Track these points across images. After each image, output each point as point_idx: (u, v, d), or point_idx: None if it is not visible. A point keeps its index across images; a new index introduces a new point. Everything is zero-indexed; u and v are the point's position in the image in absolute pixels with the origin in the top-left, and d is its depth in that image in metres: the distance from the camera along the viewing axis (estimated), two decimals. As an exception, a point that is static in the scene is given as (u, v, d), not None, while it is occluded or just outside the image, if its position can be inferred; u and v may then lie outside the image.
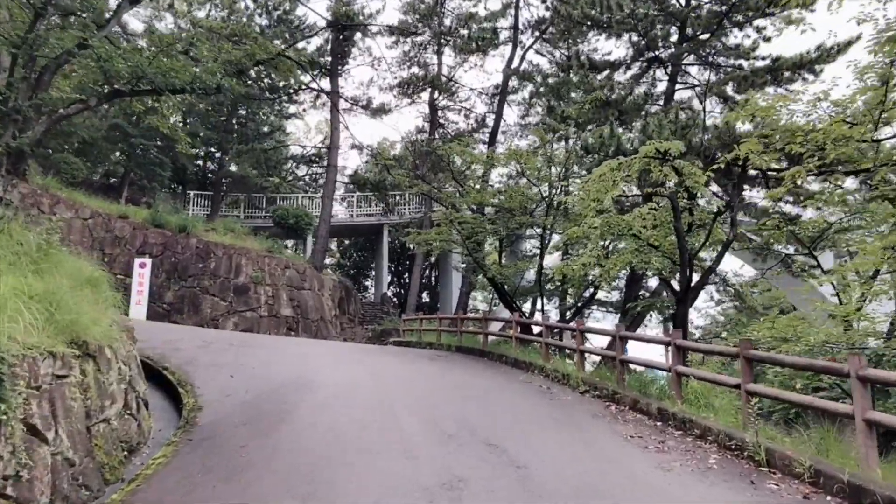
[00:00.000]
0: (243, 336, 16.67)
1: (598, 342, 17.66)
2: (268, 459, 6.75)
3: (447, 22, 31.09)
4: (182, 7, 24.27)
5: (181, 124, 34.70)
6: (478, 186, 20.25)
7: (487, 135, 30.94)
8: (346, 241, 45.47)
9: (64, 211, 22.22)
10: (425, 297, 40.20)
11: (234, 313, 22.68)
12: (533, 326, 16.79)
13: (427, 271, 39.70)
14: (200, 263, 23.16)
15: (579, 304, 18.23)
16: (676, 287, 12.28)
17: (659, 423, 8.31)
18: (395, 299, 38.73)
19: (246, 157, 28.35)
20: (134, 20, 27.97)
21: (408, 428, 7.75)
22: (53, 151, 24.57)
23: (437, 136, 28.01)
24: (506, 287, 18.35)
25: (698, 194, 11.16)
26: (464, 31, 29.97)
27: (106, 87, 10.10)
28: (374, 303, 34.78)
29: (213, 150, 33.26)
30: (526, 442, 7.17)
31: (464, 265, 26.81)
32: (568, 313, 21.13)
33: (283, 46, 28.45)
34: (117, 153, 26.37)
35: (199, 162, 34.71)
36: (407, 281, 44.27)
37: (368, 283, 46.09)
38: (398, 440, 7.15)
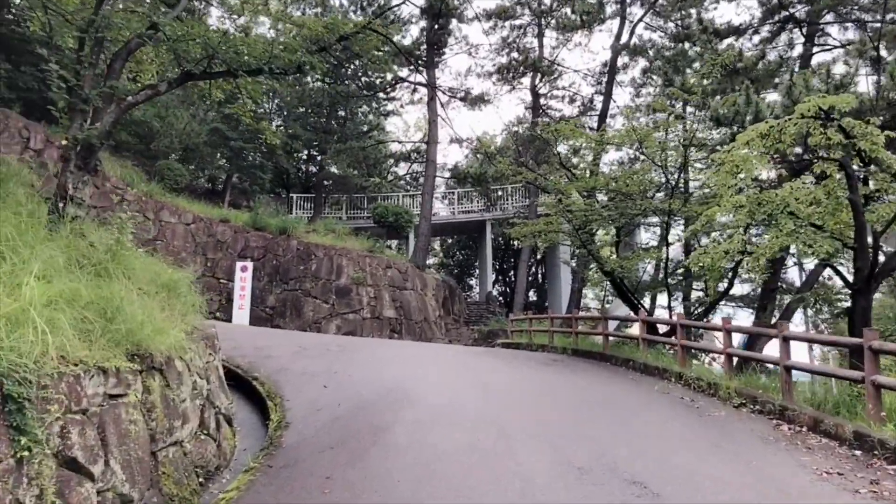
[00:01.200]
0: (342, 340, 15.70)
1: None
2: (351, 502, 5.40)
3: (547, 1, 29.20)
4: (276, 6, 23.89)
5: (280, 127, 34.83)
6: (587, 173, 18.41)
7: (595, 118, 28.85)
8: (449, 240, 44.45)
9: (167, 216, 22.29)
10: (532, 296, 38.44)
11: (337, 316, 21.94)
12: (659, 325, 14.78)
13: (533, 268, 37.94)
14: (301, 265, 22.61)
15: (711, 299, 15.92)
16: (849, 275, 10.06)
17: (858, 453, 6.29)
18: (500, 298, 37.23)
19: (344, 156, 27.76)
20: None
21: (526, 458, 6.19)
22: (158, 158, 24.84)
23: (539, 123, 26.20)
24: (625, 282, 16.37)
25: (878, 158, 8.87)
26: (566, 10, 27.98)
27: (178, 71, 9.13)
28: (479, 302, 33.41)
29: (313, 152, 33.07)
30: (686, 481, 5.43)
31: (573, 260, 24.84)
32: (696, 309, 18.83)
33: (378, 42, 27.69)
34: (219, 158, 26.38)
35: (301, 165, 34.69)
36: (512, 279, 42.67)
37: (472, 281, 44.85)
38: (514, 476, 5.61)
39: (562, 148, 18.90)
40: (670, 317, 16.75)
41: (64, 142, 8.25)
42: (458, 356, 14.13)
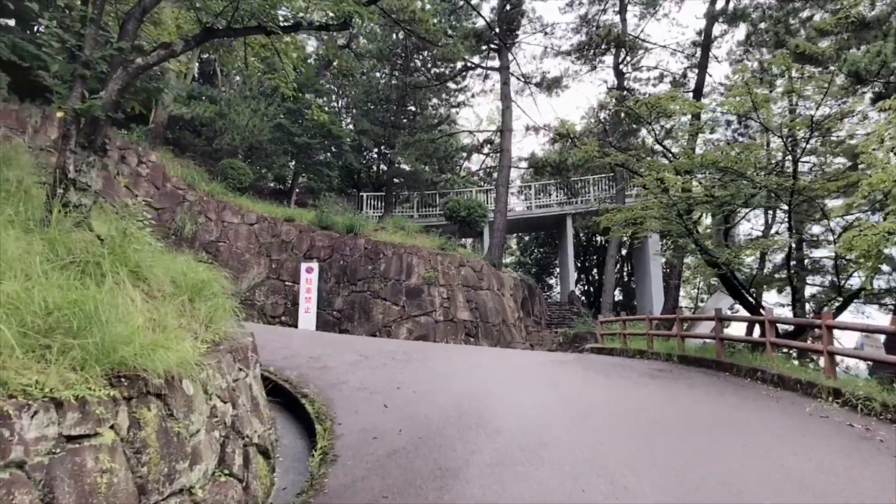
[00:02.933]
0: (409, 346, 13.95)
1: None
2: None
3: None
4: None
5: (349, 125, 33.66)
6: (684, 155, 15.96)
7: (687, 97, 26.05)
8: (526, 237, 42.28)
9: (230, 216, 21.26)
10: (618, 295, 35.80)
11: (408, 318, 20.28)
12: (775, 325, 12.25)
13: (618, 265, 35.31)
14: (370, 265, 21.10)
15: (846, 294, 13.17)
16: None
17: None
18: (583, 298, 34.82)
19: (413, 150, 26.14)
20: None
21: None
22: (222, 157, 23.93)
23: (625, 103, 23.65)
24: (736, 275, 13.91)
25: None
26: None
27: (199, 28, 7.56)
28: (561, 303, 31.12)
29: (383, 149, 31.71)
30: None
31: (668, 252, 22.27)
32: (823, 306, 16.07)
33: (447, 28, 26.00)
34: (284, 155, 25.27)
35: (371, 163, 33.43)
36: (596, 277, 40.10)
37: (552, 281, 42.52)
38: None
39: (646, 136, 16.41)
40: (794, 315, 14.17)
41: (60, 114, 6.82)
42: (542, 366, 12.09)
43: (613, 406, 8.38)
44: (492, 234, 25.66)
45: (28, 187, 6.86)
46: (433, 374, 10.27)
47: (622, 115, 20.98)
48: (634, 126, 22.84)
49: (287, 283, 20.69)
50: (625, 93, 25.80)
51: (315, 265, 20.50)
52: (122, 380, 4.88)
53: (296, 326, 19.87)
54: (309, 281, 20.24)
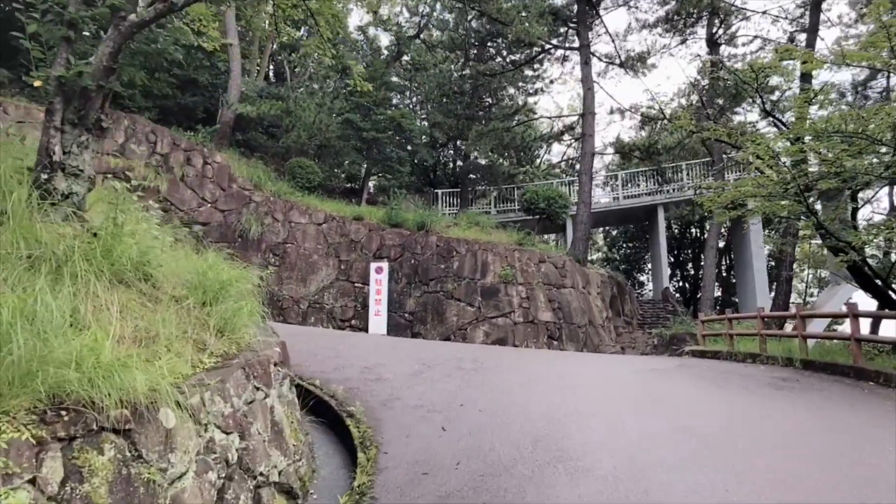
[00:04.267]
0: (480, 353, 12.34)
1: None
2: None
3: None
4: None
5: (423, 120, 32.46)
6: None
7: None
8: (614, 231, 39.84)
9: (297, 217, 20.36)
10: (716, 291, 32.92)
11: (483, 320, 18.70)
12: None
13: (717, 258, 32.41)
14: (442, 264, 19.67)
15: None
16: None
17: None
18: (678, 295, 32.21)
19: (487, 140, 24.53)
20: None
21: None
22: (290, 156, 23.15)
23: (720, 75, 21.11)
24: (868, 263, 11.55)
25: None
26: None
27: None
28: (654, 301, 28.71)
29: (457, 142, 30.29)
30: None
31: (775, 240, 19.67)
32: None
33: (521, 6, 24.28)
34: (352, 151, 24.23)
35: (445, 159, 32.10)
36: (692, 272, 37.23)
37: (643, 277, 39.90)
38: None
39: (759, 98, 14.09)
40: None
41: (37, 83, 5.69)
42: (638, 375, 10.21)
43: (742, 435, 6.49)
44: (575, 228, 23.72)
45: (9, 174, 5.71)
46: (505, 387, 8.65)
47: (719, 87, 18.62)
48: (734, 99, 20.37)
49: (357, 284, 19.56)
50: (720, 67, 23.25)
51: (385, 265, 19.27)
52: (62, 413, 3.59)
53: (366, 330, 18.70)
54: (378, 282, 19.02)
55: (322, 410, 7.93)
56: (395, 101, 29.85)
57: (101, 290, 4.76)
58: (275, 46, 30.80)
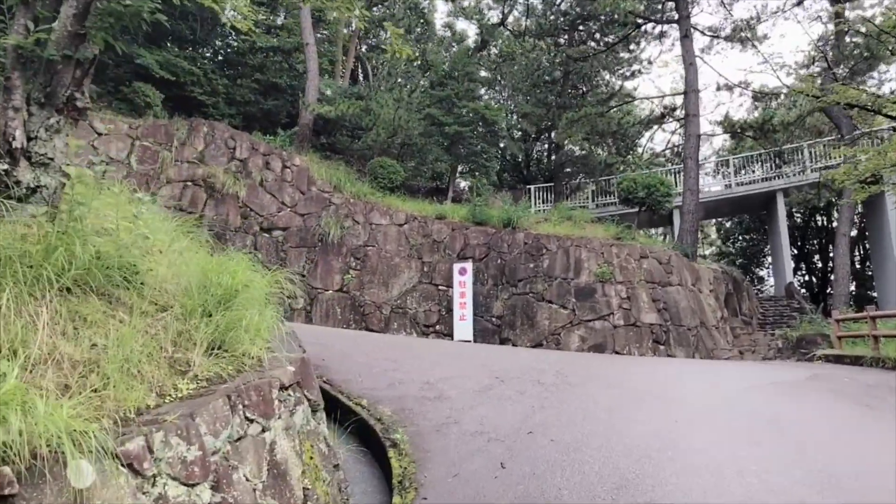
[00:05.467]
0: (568, 363, 10.70)
1: None
2: None
3: None
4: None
5: (511, 112, 30.97)
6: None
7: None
8: (727, 223, 36.59)
9: (378, 218, 19.41)
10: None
11: (579, 324, 16.95)
12: None
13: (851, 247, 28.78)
14: (531, 263, 18.08)
15: None
16: None
17: None
18: (803, 291, 28.89)
19: (579, 126, 22.63)
20: None
21: None
22: (373, 157, 22.31)
23: (849, 30, 18.12)
24: None
25: None
26: None
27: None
28: (776, 298, 25.70)
29: (548, 133, 28.56)
30: None
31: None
32: None
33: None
34: (435, 147, 23.08)
35: (534, 150, 30.40)
36: (819, 264, 33.48)
37: (763, 272, 36.39)
38: None
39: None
40: None
41: (-9, 52, 4.76)
42: (763, 391, 8.25)
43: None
44: (682, 219, 21.42)
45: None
46: (588, 409, 7.05)
47: (847, 48, 15.93)
48: (867, 61, 17.47)
49: (440, 287, 18.33)
50: (847, 29, 20.23)
51: (469, 265, 17.93)
52: None
53: (451, 337, 17.44)
54: (462, 284, 17.71)
55: (367, 437, 6.70)
56: (482, 95, 28.51)
57: (32, 302, 3.69)
58: (363, 48, 30.35)
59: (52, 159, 5.01)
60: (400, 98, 21.07)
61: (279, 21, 26.20)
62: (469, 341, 17.09)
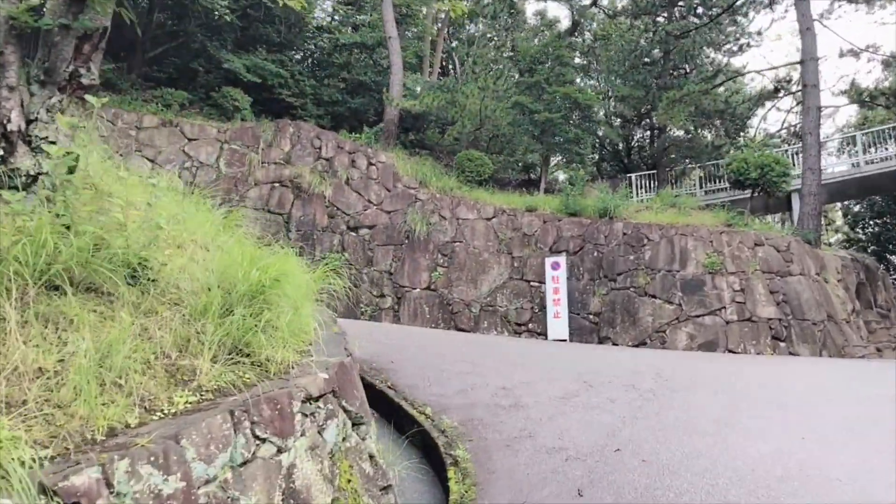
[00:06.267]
0: (671, 364, 9.42)
1: None
2: None
3: None
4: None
5: (604, 91, 29.36)
6: None
7: None
8: (856, 207, 33.13)
9: (465, 212, 18.60)
10: None
11: (686, 320, 15.41)
12: None
13: None
14: (631, 255, 16.68)
15: None
16: None
17: None
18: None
19: (681, 107, 20.80)
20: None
21: None
22: (461, 150, 21.55)
23: None
24: None
25: None
26: None
27: None
28: (918, 286, 22.77)
29: (650, 117, 26.74)
30: None
31: None
32: None
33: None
34: (525, 137, 21.98)
35: (635, 136, 28.59)
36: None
37: (899, 259, 32.69)
38: None
39: None
40: None
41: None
42: None
43: None
44: (802, 202, 19.22)
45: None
46: (690, 421, 5.89)
47: None
48: None
49: (532, 283, 17.27)
50: None
51: (562, 259, 16.77)
52: None
53: (545, 335, 16.36)
54: (556, 279, 16.57)
55: (430, 451, 5.87)
56: (576, 81, 27.10)
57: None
58: (453, 43, 29.72)
59: (54, 143, 4.49)
60: (485, 87, 20.14)
61: (364, 18, 25.97)
62: (564, 340, 15.96)
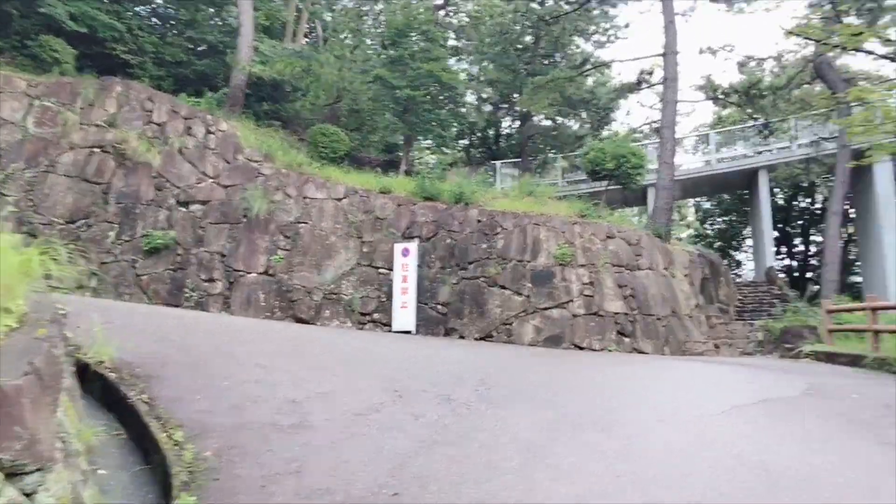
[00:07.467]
0: (502, 366, 8.55)
1: None
2: None
3: None
4: None
5: (472, 79, 28.69)
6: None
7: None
8: (706, 204, 34.69)
9: (313, 191, 17.11)
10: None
11: (535, 312, 14.88)
12: None
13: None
14: (484, 243, 15.94)
15: None
16: None
17: None
18: (783, 276, 27.10)
19: (545, 93, 20.36)
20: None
21: None
22: (308, 125, 19.95)
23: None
24: None
25: None
26: None
27: None
28: (755, 283, 23.87)
29: (514, 102, 26.29)
30: None
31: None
32: None
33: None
34: (386, 113, 20.74)
35: (501, 121, 28.12)
36: (802, 248, 31.71)
37: (741, 256, 34.62)
38: None
39: None
40: None
41: None
42: (749, 417, 6.09)
43: None
44: (656, 196, 19.35)
45: None
46: (501, 446, 4.90)
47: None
48: (872, 13, 15.31)
49: (381, 270, 16.12)
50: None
51: (413, 246, 15.72)
52: None
53: (390, 326, 15.29)
54: (405, 267, 15.51)
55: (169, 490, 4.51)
56: (448, 63, 26.16)
57: None
58: (326, 16, 27.79)
59: None
60: (342, 55, 18.64)
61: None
62: (409, 332, 14.96)
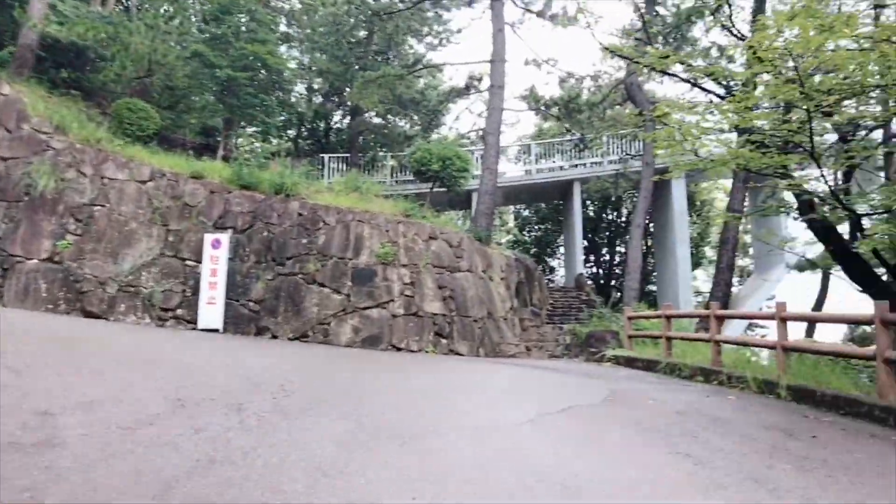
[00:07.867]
0: (314, 365, 8.02)
1: None
2: None
3: None
4: None
5: (302, 67, 27.67)
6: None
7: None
8: (525, 212, 36.31)
9: (113, 171, 15.30)
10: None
11: (353, 312, 14.43)
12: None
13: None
14: (304, 238, 15.20)
15: None
16: None
17: None
18: (591, 283, 29.03)
19: (375, 89, 19.96)
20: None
21: None
22: (116, 98, 17.95)
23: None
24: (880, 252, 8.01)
25: None
26: None
27: None
28: (566, 288, 25.25)
29: (344, 94, 25.64)
30: None
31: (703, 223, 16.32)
32: None
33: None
34: (205, 93, 19.22)
35: (331, 113, 27.36)
36: (607, 258, 34.20)
37: (555, 262, 36.62)
38: None
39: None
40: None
41: None
42: (553, 426, 6.10)
43: None
44: (479, 200, 19.73)
45: None
46: (284, 468, 4.37)
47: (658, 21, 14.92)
48: (679, 30, 16.69)
49: (188, 262, 14.78)
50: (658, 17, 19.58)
51: (225, 237, 14.59)
52: None
53: (195, 324, 14.06)
54: (215, 259, 14.33)
55: None
56: (278, 50, 24.89)
57: None
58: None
59: None
60: (156, 25, 16.93)
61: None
62: (216, 330, 13.85)
